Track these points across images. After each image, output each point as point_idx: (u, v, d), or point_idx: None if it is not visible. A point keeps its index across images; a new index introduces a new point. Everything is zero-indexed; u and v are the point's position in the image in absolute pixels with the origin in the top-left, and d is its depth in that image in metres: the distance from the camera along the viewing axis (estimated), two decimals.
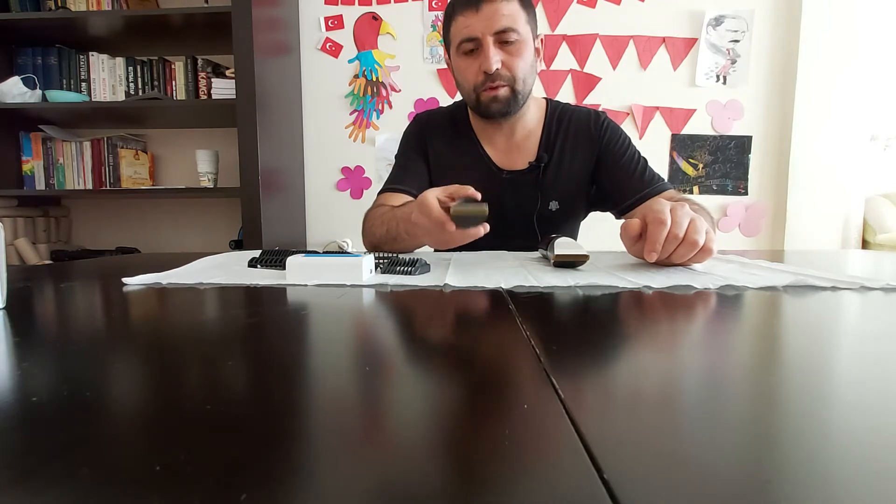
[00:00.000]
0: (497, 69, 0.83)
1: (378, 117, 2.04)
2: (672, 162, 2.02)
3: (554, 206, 0.95)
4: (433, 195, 0.64)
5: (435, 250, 1.03)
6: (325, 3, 2.00)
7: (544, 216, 0.95)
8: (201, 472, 0.13)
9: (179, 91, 1.91)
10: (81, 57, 1.92)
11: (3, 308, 0.37)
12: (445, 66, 2.00)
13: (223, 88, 1.78)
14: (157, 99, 1.83)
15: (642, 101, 1.99)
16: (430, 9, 1.98)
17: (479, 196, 0.63)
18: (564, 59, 1.99)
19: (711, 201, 2.01)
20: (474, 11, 0.81)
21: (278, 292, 0.44)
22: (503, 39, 0.83)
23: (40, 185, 1.97)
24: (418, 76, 2.02)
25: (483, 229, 0.61)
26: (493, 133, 0.96)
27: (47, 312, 0.38)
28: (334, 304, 0.39)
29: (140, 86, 1.93)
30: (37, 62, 1.91)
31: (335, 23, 2.01)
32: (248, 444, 0.15)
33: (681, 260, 0.55)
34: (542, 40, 0.91)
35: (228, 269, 0.58)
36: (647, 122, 2.00)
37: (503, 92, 0.86)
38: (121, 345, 0.28)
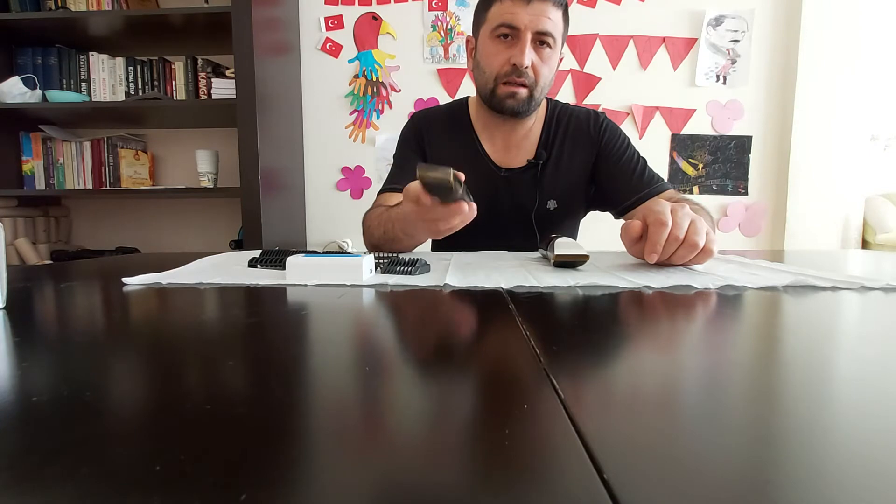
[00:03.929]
0: (526, 67, 0.83)
1: (378, 117, 2.04)
2: (672, 162, 2.02)
3: (552, 204, 0.95)
4: (416, 182, 0.63)
5: (434, 248, 1.03)
6: (325, 3, 2.00)
7: (542, 215, 0.95)
8: (201, 472, 0.13)
9: (179, 91, 1.91)
10: (81, 57, 1.91)
11: (3, 308, 0.37)
12: (445, 67, 2.00)
13: (223, 88, 1.78)
14: (157, 99, 1.83)
15: (642, 101, 1.99)
16: (430, 9, 1.98)
17: (462, 177, 0.62)
18: (564, 59, 1.99)
19: (711, 201, 2.01)
20: (524, 2, 0.81)
21: (278, 292, 0.44)
22: (540, 41, 0.83)
23: (40, 185, 1.97)
24: (418, 76, 2.02)
25: (468, 209, 0.58)
26: (493, 130, 0.96)
27: (47, 312, 0.38)
28: (334, 304, 0.39)
29: (140, 86, 1.93)
30: (37, 62, 1.91)
31: (335, 23, 2.01)
32: (248, 443, 0.15)
33: (681, 261, 0.55)
34: (561, 59, 0.92)
35: (228, 269, 0.58)
36: (647, 122, 1.99)
37: (522, 92, 0.86)
38: (121, 345, 0.28)
